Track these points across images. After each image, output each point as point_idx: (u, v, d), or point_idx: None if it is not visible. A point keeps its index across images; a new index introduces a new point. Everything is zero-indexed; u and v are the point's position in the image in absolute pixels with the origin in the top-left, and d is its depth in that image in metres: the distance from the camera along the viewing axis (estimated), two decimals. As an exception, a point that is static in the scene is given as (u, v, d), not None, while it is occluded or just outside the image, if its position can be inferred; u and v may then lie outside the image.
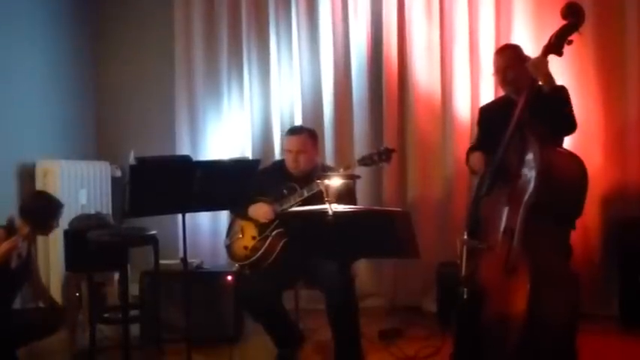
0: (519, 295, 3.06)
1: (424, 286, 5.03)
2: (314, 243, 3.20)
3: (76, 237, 4.07)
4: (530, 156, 3.19)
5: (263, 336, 3.93)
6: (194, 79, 5.44)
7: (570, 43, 3.28)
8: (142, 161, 3.37)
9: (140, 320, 4.34)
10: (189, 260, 3.86)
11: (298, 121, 5.19)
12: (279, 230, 3.81)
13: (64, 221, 4.16)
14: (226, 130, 5.40)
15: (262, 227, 3.90)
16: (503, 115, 3.37)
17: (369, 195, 5.09)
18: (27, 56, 4.95)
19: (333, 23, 5.22)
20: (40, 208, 3.80)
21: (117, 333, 4.26)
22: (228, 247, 4.06)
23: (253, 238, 3.93)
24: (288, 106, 5.33)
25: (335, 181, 3.25)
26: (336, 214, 2.94)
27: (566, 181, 3.22)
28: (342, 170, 3.68)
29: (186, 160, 3.56)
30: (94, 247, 3.79)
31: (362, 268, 5.15)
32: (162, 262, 4.00)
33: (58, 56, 5.32)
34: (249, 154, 5.31)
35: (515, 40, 4.65)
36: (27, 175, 4.79)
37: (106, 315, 4.34)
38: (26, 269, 3.83)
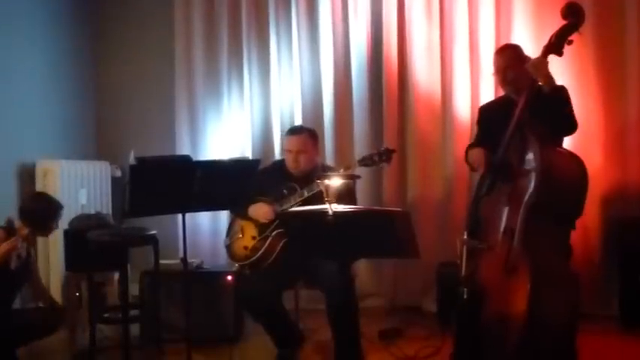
0: (519, 295, 3.06)
1: (424, 286, 5.03)
2: (314, 243, 3.20)
3: (76, 237, 4.07)
4: (530, 156, 3.19)
5: (263, 336, 3.93)
6: (194, 79, 5.44)
7: (570, 43, 3.28)
8: (142, 161, 3.37)
9: (140, 320, 4.34)
10: (189, 260, 3.86)
11: (298, 121, 5.18)
12: (279, 230, 3.81)
13: (64, 221, 4.17)
14: (226, 130, 5.40)
15: (262, 227, 3.90)
16: (503, 115, 3.38)
17: (369, 195, 5.09)
18: (27, 56, 4.95)
19: (333, 23, 5.22)
20: (39, 210, 3.80)
21: (117, 333, 4.26)
22: (228, 247, 4.06)
23: (253, 238, 3.93)
24: (288, 106, 5.33)
25: (335, 181, 3.25)
26: (336, 214, 2.94)
27: (566, 181, 3.22)
28: (342, 170, 3.68)
29: (186, 160, 3.56)
30: (94, 247, 3.79)
31: (362, 268, 5.15)
32: (162, 262, 4.00)
33: (58, 56, 5.32)
34: (249, 154, 5.31)
35: (515, 40, 4.65)
36: (27, 175, 4.79)
37: (106, 315, 4.34)
38: (26, 270, 3.83)
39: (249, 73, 5.39)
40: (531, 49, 3.84)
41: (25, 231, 3.70)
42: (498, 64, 3.55)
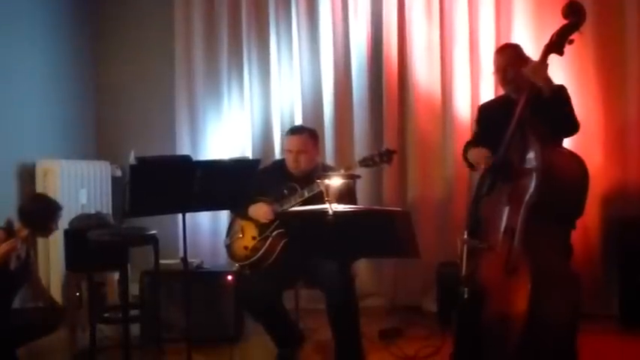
0: (520, 295, 3.05)
1: (424, 286, 5.03)
2: (314, 243, 3.20)
3: (76, 237, 4.07)
4: (531, 155, 3.19)
5: (263, 336, 3.93)
6: (194, 79, 5.44)
7: (571, 42, 3.28)
8: (142, 161, 3.37)
9: (140, 320, 4.34)
10: (190, 260, 3.86)
11: (298, 121, 5.19)
12: (279, 231, 3.80)
13: (64, 221, 4.17)
14: (226, 130, 5.40)
15: (262, 227, 3.90)
16: (503, 114, 3.38)
17: (370, 195, 5.09)
18: (27, 56, 4.95)
19: (333, 23, 5.22)
20: (38, 211, 3.80)
21: (117, 333, 4.26)
22: (229, 247, 4.06)
23: (253, 238, 3.93)
24: (288, 106, 5.33)
25: (335, 181, 3.25)
26: (336, 213, 2.94)
27: (567, 180, 3.22)
28: (342, 171, 3.68)
29: (186, 159, 3.56)
30: (94, 246, 3.79)
31: (362, 267, 5.15)
32: (162, 261, 3.99)
33: (58, 56, 5.32)
34: (249, 154, 5.31)
35: (515, 40, 4.65)
36: (27, 174, 4.79)
37: (106, 315, 4.35)
38: (25, 271, 3.82)
39: (249, 73, 5.39)
40: (531, 49, 3.84)
41: (25, 232, 3.70)
42: (498, 63, 3.55)
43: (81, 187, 4.99)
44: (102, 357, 4.08)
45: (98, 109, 5.73)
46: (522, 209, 3.17)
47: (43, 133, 5.09)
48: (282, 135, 5.15)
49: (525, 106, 3.26)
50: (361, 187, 4.60)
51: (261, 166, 3.94)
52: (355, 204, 3.78)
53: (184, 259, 3.62)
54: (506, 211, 3.27)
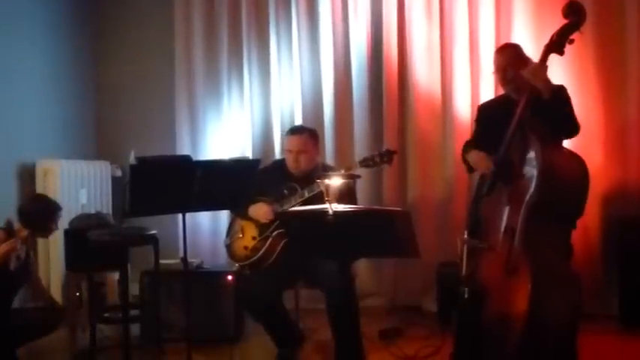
0: (520, 295, 3.05)
1: (424, 286, 5.03)
2: (314, 243, 3.20)
3: (76, 236, 4.07)
4: (531, 155, 3.19)
5: (263, 336, 3.93)
6: (194, 79, 5.44)
7: (572, 42, 3.28)
8: (142, 161, 3.37)
9: (140, 320, 4.34)
10: (190, 260, 3.85)
11: (298, 121, 5.19)
12: (279, 231, 3.80)
13: (64, 221, 4.16)
14: (226, 130, 5.40)
15: (263, 227, 3.90)
16: (503, 114, 3.38)
17: (370, 195, 5.09)
18: (27, 56, 4.95)
19: (333, 23, 5.22)
20: (37, 212, 3.80)
21: (117, 333, 4.26)
22: (229, 247, 4.06)
23: (254, 238, 3.93)
24: (288, 106, 5.33)
25: (335, 181, 3.25)
26: (336, 213, 2.93)
27: (567, 180, 3.22)
28: (342, 171, 3.68)
29: (186, 159, 3.56)
30: (94, 246, 3.79)
31: (362, 267, 5.15)
32: (162, 261, 3.99)
33: (58, 56, 5.32)
34: (249, 154, 5.31)
35: (515, 40, 4.64)
36: (27, 174, 4.79)
37: (106, 315, 4.34)
38: (25, 271, 3.82)
39: (249, 73, 5.39)
40: (531, 49, 3.84)
41: (24, 233, 3.70)
42: (498, 63, 3.55)
43: (81, 187, 4.99)
44: (102, 357, 4.08)
45: (98, 109, 5.73)
46: (522, 209, 3.17)
47: (43, 133, 5.09)
48: (282, 135, 5.15)
49: (525, 106, 3.26)
50: (361, 187, 4.60)
51: (261, 166, 3.94)
52: (355, 204, 3.78)
53: (184, 259, 3.62)
54: (506, 211, 3.27)
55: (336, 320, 3.63)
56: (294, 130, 4.07)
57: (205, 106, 5.43)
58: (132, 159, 3.69)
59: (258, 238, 3.90)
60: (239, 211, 4.01)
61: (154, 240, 3.89)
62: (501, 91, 3.77)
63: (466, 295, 3.15)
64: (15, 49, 4.81)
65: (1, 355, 3.59)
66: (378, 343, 4.22)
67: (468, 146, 3.66)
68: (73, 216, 4.43)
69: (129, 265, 4.02)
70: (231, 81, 5.42)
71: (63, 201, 4.47)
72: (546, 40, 3.34)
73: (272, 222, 3.86)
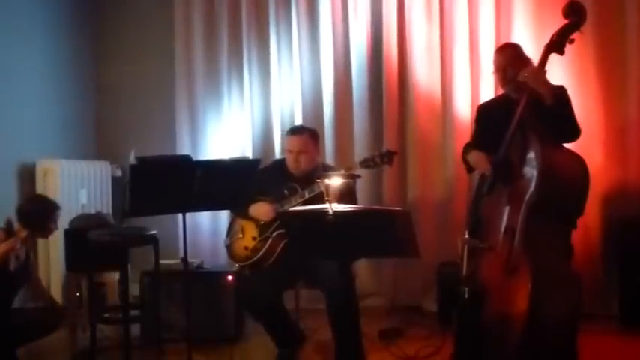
0: (520, 295, 3.05)
1: (424, 286, 5.03)
2: (314, 243, 3.20)
3: (76, 237, 4.07)
4: (531, 155, 3.19)
5: (263, 336, 3.93)
6: (194, 79, 5.44)
7: (572, 41, 3.29)
8: (142, 161, 3.36)
9: (140, 320, 4.34)
10: (190, 260, 3.85)
11: (298, 121, 5.19)
12: (279, 231, 3.80)
13: (64, 221, 4.17)
14: (226, 130, 5.40)
15: (263, 228, 3.90)
16: (503, 114, 3.38)
17: (370, 195, 5.09)
18: (27, 56, 4.95)
19: (333, 23, 5.22)
20: (36, 212, 3.80)
21: (117, 333, 4.25)
22: (229, 247, 4.06)
23: (254, 238, 3.93)
24: (288, 106, 5.33)
25: (335, 181, 3.25)
26: (336, 213, 2.93)
27: (567, 180, 3.22)
28: (343, 172, 3.68)
29: (186, 159, 3.56)
30: (94, 246, 3.78)
31: (362, 267, 5.15)
32: (162, 261, 3.99)
33: (58, 56, 5.32)
34: (249, 154, 5.31)
35: (515, 40, 4.64)
36: (27, 174, 4.79)
37: (106, 315, 4.34)
38: (25, 271, 3.83)
39: (249, 73, 5.39)
40: (531, 49, 3.85)
41: (24, 233, 3.69)
42: (498, 63, 3.55)
43: (81, 187, 4.99)
44: (102, 357, 4.08)
45: (98, 109, 5.73)
46: (522, 209, 3.17)
47: (43, 133, 5.08)
48: (282, 135, 5.15)
49: (525, 106, 3.26)
50: (361, 187, 4.61)
51: (261, 166, 3.94)
52: (355, 204, 3.78)
53: (184, 259, 3.61)
54: (506, 210, 3.28)
55: (336, 320, 3.63)
56: (295, 131, 4.07)
57: (205, 106, 5.43)
58: (132, 159, 3.69)
59: (258, 239, 3.90)
60: (239, 211, 4.01)
61: (154, 240, 3.89)
62: (501, 91, 3.78)
63: (466, 295, 3.16)
64: (15, 49, 4.81)
65: (2, 355, 3.59)
66: (379, 343, 4.22)
67: (468, 147, 3.67)
68: (73, 216, 4.44)
69: (129, 265, 4.01)
70: (231, 81, 5.41)
71: (63, 201, 4.47)
72: (546, 40, 3.34)
73: (272, 222, 3.85)
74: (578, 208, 3.28)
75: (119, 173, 5.36)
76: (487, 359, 3.24)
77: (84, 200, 4.98)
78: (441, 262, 4.66)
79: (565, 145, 3.43)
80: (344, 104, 5.24)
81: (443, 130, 5.07)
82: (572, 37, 3.28)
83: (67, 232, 4.20)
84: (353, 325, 3.62)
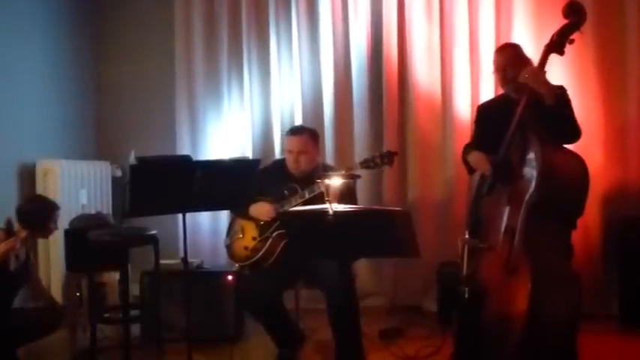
0: (520, 295, 3.05)
1: (424, 286, 5.03)
2: (314, 243, 3.20)
3: (76, 237, 4.07)
4: (531, 155, 3.19)
5: (263, 336, 3.93)
6: (194, 79, 5.44)
7: (572, 42, 3.29)
8: (142, 161, 3.36)
9: (140, 320, 4.34)
10: (190, 260, 3.85)
11: (298, 121, 5.19)
12: (279, 231, 3.81)
13: (64, 221, 4.17)
14: (226, 130, 5.40)
15: (263, 228, 3.90)
16: (503, 114, 3.38)
17: (370, 195, 5.09)
18: (27, 56, 4.95)
19: (333, 23, 5.22)
20: (35, 212, 3.80)
21: (117, 333, 4.26)
22: (229, 247, 4.06)
23: (254, 238, 3.93)
24: (288, 106, 5.33)
25: (335, 181, 3.25)
26: (336, 213, 2.93)
27: (567, 180, 3.22)
28: (343, 172, 3.68)
29: (186, 159, 3.55)
30: (94, 246, 3.78)
31: (362, 267, 5.15)
32: (162, 261, 3.99)
33: (58, 56, 5.32)
34: (249, 154, 5.31)
35: (515, 40, 4.64)
36: (27, 174, 4.79)
37: (106, 315, 4.34)
38: (25, 272, 3.83)
39: (249, 73, 5.39)
40: (531, 49, 3.85)
41: (24, 233, 3.69)
42: (498, 63, 3.55)
43: (81, 187, 4.99)
44: (102, 357, 4.07)
45: (98, 109, 5.73)
46: (522, 209, 3.17)
47: (43, 133, 5.08)
48: (282, 135, 5.15)
49: (526, 106, 3.26)
50: (361, 187, 4.61)
51: (262, 166, 3.94)
52: (355, 204, 3.78)
53: (184, 259, 3.61)
54: (506, 211, 3.28)
55: (336, 320, 3.63)
56: (295, 131, 4.07)
57: (205, 106, 5.43)
58: (132, 159, 3.69)
59: (258, 239, 3.90)
60: (240, 210, 4.01)
61: (154, 240, 3.89)
62: (501, 91, 3.78)
63: (466, 295, 3.16)
64: (15, 49, 4.81)
65: (2, 355, 3.59)
66: (379, 343, 4.22)
67: (469, 147, 3.67)
68: (74, 216, 4.44)
69: (129, 266, 4.01)
70: (231, 81, 5.41)
71: (63, 201, 4.48)
72: (546, 40, 3.34)
73: (272, 222, 3.86)
74: (578, 208, 3.28)
75: (119, 173, 5.36)
76: (487, 359, 3.24)
77: (84, 200, 4.99)
78: (441, 262, 4.66)
79: (565, 145, 3.44)
80: (344, 104, 5.24)
81: (443, 130, 5.07)
82: (572, 37, 3.28)
83: (67, 232, 4.20)
84: (353, 325, 3.62)
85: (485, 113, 3.77)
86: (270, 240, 3.85)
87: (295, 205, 3.72)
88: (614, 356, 4.00)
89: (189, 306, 3.59)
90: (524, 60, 3.51)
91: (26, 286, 3.95)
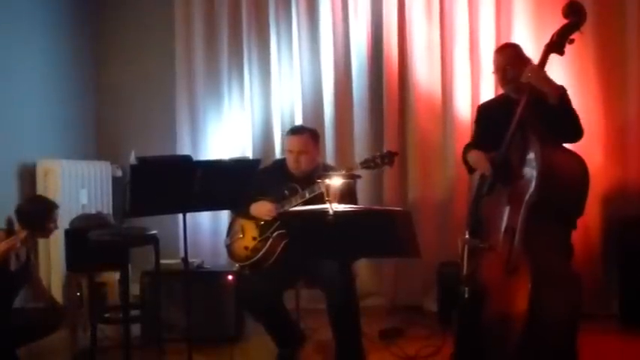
0: (520, 295, 3.06)
1: (425, 286, 5.03)
2: (315, 243, 3.20)
3: (76, 237, 4.07)
4: (531, 155, 3.19)
5: (264, 336, 3.93)
6: (194, 79, 5.44)
7: (572, 41, 3.29)
8: (142, 161, 3.36)
9: (141, 320, 4.34)
10: (190, 260, 3.85)
11: (299, 121, 5.19)
12: (280, 231, 3.81)
13: (64, 221, 4.17)
14: (227, 130, 5.40)
15: (263, 228, 3.90)
16: (503, 114, 3.38)
17: (370, 195, 5.09)
18: (27, 56, 4.95)
19: (334, 23, 5.22)
20: (34, 212, 3.80)
21: (118, 333, 4.26)
22: (229, 247, 4.06)
23: (254, 238, 3.93)
24: (288, 106, 5.33)
25: (336, 181, 3.25)
26: (336, 213, 2.94)
27: (567, 180, 3.22)
28: (343, 172, 3.68)
29: (186, 159, 3.55)
30: (94, 246, 3.78)
31: (362, 267, 5.15)
32: (162, 261, 3.99)
33: (59, 56, 5.32)
34: (249, 154, 5.31)
35: (515, 40, 4.64)
36: (27, 174, 4.80)
37: (106, 315, 4.35)
38: (25, 272, 3.83)
39: (250, 73, 5.39)
40: (531, 49, 3.85)
41: (24, 233, 3.69)
42: (498, 63, 3.55)
43: (81, 187, 4.99)
44: (102, 357, 4.08)
45: (98, 109, 5.73)
46: (522, 209, 3.17)
47: (44, 133, 5.09)
48: (282, 135, 5.15)
49: (526, 106, 3.26)
50: (362, 187, 4.61)
51: (262, 166, 3.94)
52: (356, 204, 3.78)
53: (185, 259, 3.62)
54: (506, 210, 3.28)
55: (336, 320, 3.63)
56: (295, 131, 4.07)
57: (206, 106, 5.43)
58: (132, 159, 3.69)
59: (258, 239, 3.91)
60: (240, 210, 4.01)
61: (154, 240, 3.89)
62: (501, 91, 3.78)
63: (466, 295, 3.16)
64: (15, 49, 4.81)
65: (2, 355, 3.60)
66: (379, 343, 4.22)
67: (469, 147, 3.67)
68: (74, 216, 4.44)
69: (129, 266, 4.01)
70: (232, 81, 5.42)
71: (63, 201, 4.48)
72: (546, 40, 3.34)
73: (272, 222, 3.86)
74: (578, 208, 3.28)
75: (119, 173, 5.36)
76: (487, 359, 3.25)
77: (84, 200, 4.99)
78: (442, 262, 4.66)
79: (566, 145, 3.44)
80: (344, 104, 5.24)
81: (443, 130, 5.07)
82: (572, 37, 3.29)
83: (67, 232, 4.20)
84: (353, 325, 3.62)
85: (486, 113, 3.77)
86: (271, 240, 3.85)
87: (295, 205, 3.72)
88: (614, 356, 4.01)
89: (189, 306, 3.59)
90: (524, 60, 3.51)
91: (27, 286, 3.95)
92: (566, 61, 4.11)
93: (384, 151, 3.80)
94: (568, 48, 3.31)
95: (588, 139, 4.53)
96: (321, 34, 5.25)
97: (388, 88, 5.12)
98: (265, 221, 3.90)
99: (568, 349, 3.16)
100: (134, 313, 4.24)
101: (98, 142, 5.68)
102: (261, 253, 3.86)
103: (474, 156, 3.56)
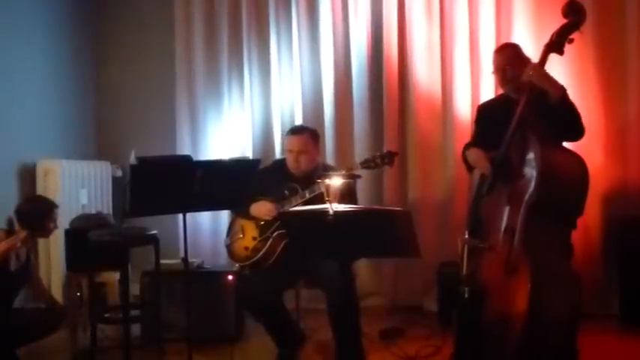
0: (520, 295, 3.06)
1: (425, 286, 5.03)
2: (315, 243, 3.20)
3: (76, 237, 4.07)
4: (531, 155, 3.19)
5: (264, 336, 3.93)
6: (194, 79, 5.44)
7: (571, 41, 3.29)
8: (142, 161, 3.36)
9: (141, 320, 4.34)
10: (190, 260, 3.86)
11: (299, 121, 5.19)
12: (280, 231, 3.81)
13: (64, 221, 4.17)
14: (227, 130, 5.40)
15: (263, 228, 3.90)
16: (503, 114, 3.38)
17: (370, 195, 5.09)
18: (27, 56, 4.95)
19: (334, 23, 5.22)
20: (33, 211, 3.81)
21: (118, 333, 4.26)
22: (229, 247, 4.06)
23: (254, 238, 3.93)
24: (288, 106, 5.33)
25: (336, 181, 3.25)
26: (336, 213, 2.94)
27: (567, 180, 3.22)
28: (343, 172, 3.68)
29: (186, 159, 3.55)
30: (94, 246, 3.78)
31: (362, 267, 5.15)
32: (162, 261, 3.99)
33: (59, 56, 5.32)
34: (249, 154, 5.31)
35: (515, 40, 4.65)
36: (27, 174, 4.80)
37: (106, 315, 4.35)
38: (25, 272, 3.83)
39: (250, 73, 5.39)
40: (531, 49, 3.85)
41: (24, 233, 3.70)
42: (498, 63, 3.56)
43: (81, 187, 4.99)
44: (102, 357, 4.07)
45: (98, 109, 5.73)
46: (522, 209, 3.17)
47: (44, 133, 5.09)
48: (282, 135, 5.15)
49: (526, 106, 3.26)
50: (362, 187, 4.61)
51: (262, 166, 3.94)
52: (356, 204, 3.78)
53: (185, 259, 3.61)
54: (506, 210, 3.28)
55: (336, 320, 3.63)
56: (295, 130, 4.07)
57: (206, 106, 5.43)
58: (132, 159, 3.69)
59: (258, 239, 3.91)
60: (240, 210, 4.01)
61: (154, 240, 3.89)
62: (501, 91, 3.78)
63: (466, 295, 3.16)
64: (15, 49, 4.81)
65: (2, 355, 3.60)
66: (379, 343, 4.22)
67: (469, 146, 3.67)
68: (74, 216, 4.44)
69: (129, 266, 4.01)
70: (232, 81, 5.42)
71: (63, 201, 4.48)
72: (546, 39, 3.34)
73: (272, 222, 3.86)
74: (578, 208, 3.28)
75: (119, 173, 5.36)
76: (487, 359, 3.25)
77: (84, 200, 4.99)
78: (442, 262, 4.66)
79: (565, 144, 3.44)
80: (344, 104, 5.24)
81: (443, 130, 5.07)
82: (571, 36, 3.29)
83: (67, 232, 4.20)
84: (353, 325, 3.62)
85: (486, 113, 3.77)
86: (271, 240, 3.85)
87: (295, 205, 3.72)
88: (614, 356, 4.00)
89: (189, 306, 3.59)
90: (523, 60, 3.51)
91: (27, 287, 3.95)
92: (566, 60, 4.11)
93: (384, 151, 3.81)
94: (568, 48, 3.31)
95: (588, 139, 4.53)
96: (321, 34, 5.25)
97: (388, 88, 5.12)
98: (265, 221, 3.90)
99: (568, 349, 3.16)
100: (134, 313, 4.24)
101: (98, 142, 5.68)
102: (261, 253, 3.86)
103: (474, 154, 3.56)
